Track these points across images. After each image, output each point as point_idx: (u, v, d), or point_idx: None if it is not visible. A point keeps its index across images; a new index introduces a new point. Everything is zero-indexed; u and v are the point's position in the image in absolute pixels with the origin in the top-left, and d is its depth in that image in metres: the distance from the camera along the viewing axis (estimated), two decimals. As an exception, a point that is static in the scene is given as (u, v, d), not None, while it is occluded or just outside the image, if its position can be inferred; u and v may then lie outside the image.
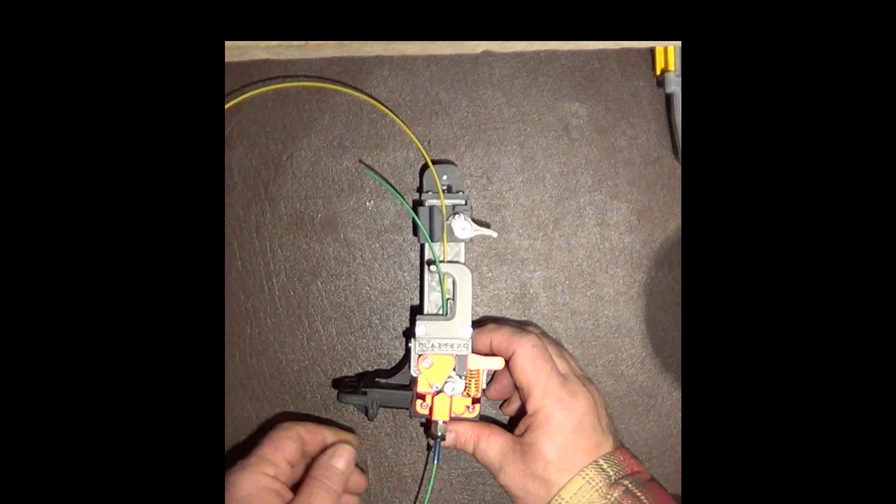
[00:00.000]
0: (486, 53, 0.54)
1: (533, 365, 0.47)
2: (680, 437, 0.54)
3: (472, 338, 0.50)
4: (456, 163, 0.54)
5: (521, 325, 0.53)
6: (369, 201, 0.54)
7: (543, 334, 0.52)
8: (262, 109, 0.54)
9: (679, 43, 0.51)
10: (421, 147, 0.53)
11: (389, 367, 0.55)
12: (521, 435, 0.48)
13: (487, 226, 0.53)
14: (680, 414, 0.55)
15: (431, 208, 0.51)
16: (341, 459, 0.47)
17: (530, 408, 0.47)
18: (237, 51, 0.51)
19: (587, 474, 0.46)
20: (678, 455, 0.55)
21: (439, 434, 0.49)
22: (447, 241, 0.51)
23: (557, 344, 0.53)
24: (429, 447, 0.50)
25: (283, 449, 0.46)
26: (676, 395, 0.55)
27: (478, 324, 0.52)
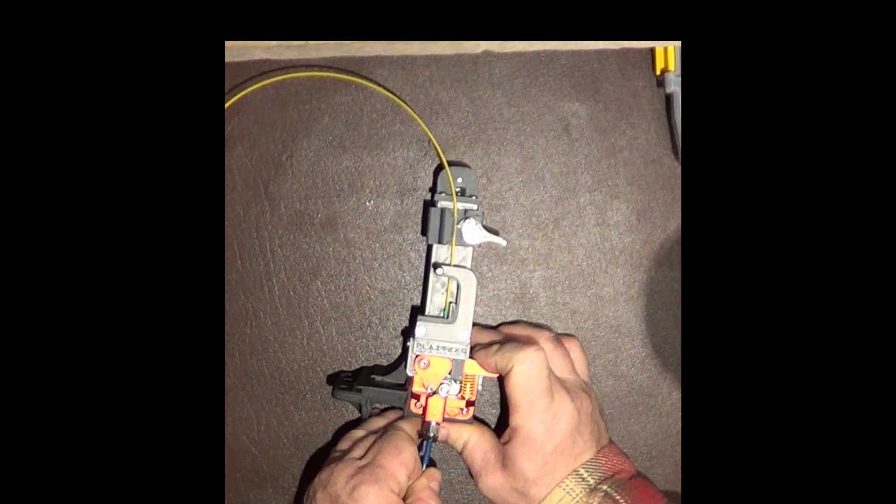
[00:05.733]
0: (486, 53, 0.54)
1: (526, 385, 0.47)
2: (680, 437, 0.55)
3: (475, 353, 0.50)
4: (471, 166, 0.54)
5: (536, 327, 0.53)
6: (369, 201, 0.54)
7: (557, 336, 0.51)
8: (261, 109, 0.54)
9: (679, 43, 0.51)
10: (438, 147, 0.52)
11: (386, 364, 0.55)
12: (505, 444, 0.48)
13: (496, 233, 0.53)
14: (680, 414, 0.55)
15: (443, 210, 0.51)
16: (437, 483, 0.49)
17: (513, 423, 0.48)
18: (237, 51, 0.51)
19: (566, 485, 0.47)
20: (678, 455, 0.55)
21: (431, 434, 0.50)
22: (455, 245, 0.51)
23: (570, 343, 0.52)
24: (420, 447, 0.50)
25: (408, 465, 0.47)
26: (676, 395, 0.55)
27: (492, 329, 0.52)
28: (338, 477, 0.46)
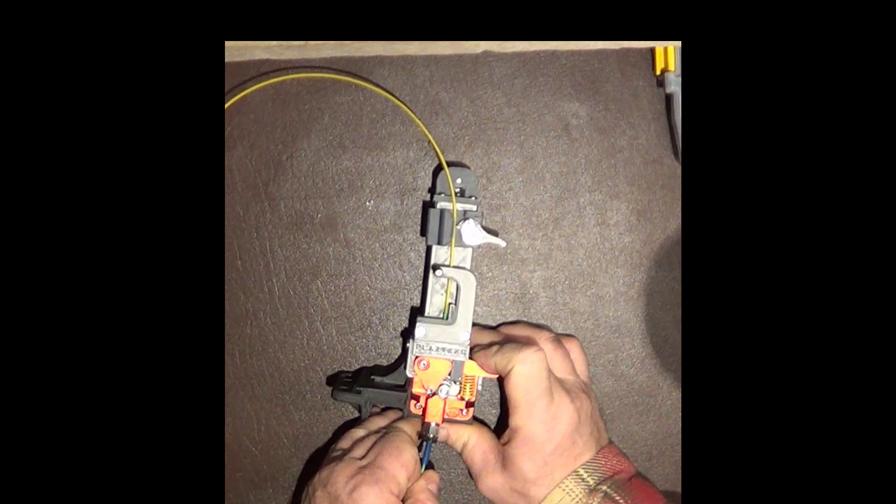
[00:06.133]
0: (486, 53, 0.54)
1: (525, 385, 0.47)
2: (680, 437, 0.55)
3: (475, 354, 0.50)
4: (471, 166, 0.54)
5: (536, 328, 0.53)
6: (369, 201, 0.54)
7: (557, 337, 0.51)
8: (261, 109, 0.54)
9: (679, 43, 0.51)
10: (437, 147, 0.52)
11: (387, 364, 0.55)
12: (505, 444, 0.48)
13: (496, 234, 0.53)
14: (680, 414, 0.55)
15: (442, 211, 0.51)
16: (435, 485, 0.49)
17: (513, 423, 0.48)
18: (237, 51, 0.51)
19: (566, 485, 0.47)
20: (678, 455, 0.55)
21: (430, 435, 0.50)
22: (454, 246, 0.51)
23: (570, 343, 0.52)
24: (419, 448, 0.50)
25: (408, 467, 0.47)
26: (676, 395, 0.55)
27: (493, 329, 0.52)
28: (338, 476, 0.45)
